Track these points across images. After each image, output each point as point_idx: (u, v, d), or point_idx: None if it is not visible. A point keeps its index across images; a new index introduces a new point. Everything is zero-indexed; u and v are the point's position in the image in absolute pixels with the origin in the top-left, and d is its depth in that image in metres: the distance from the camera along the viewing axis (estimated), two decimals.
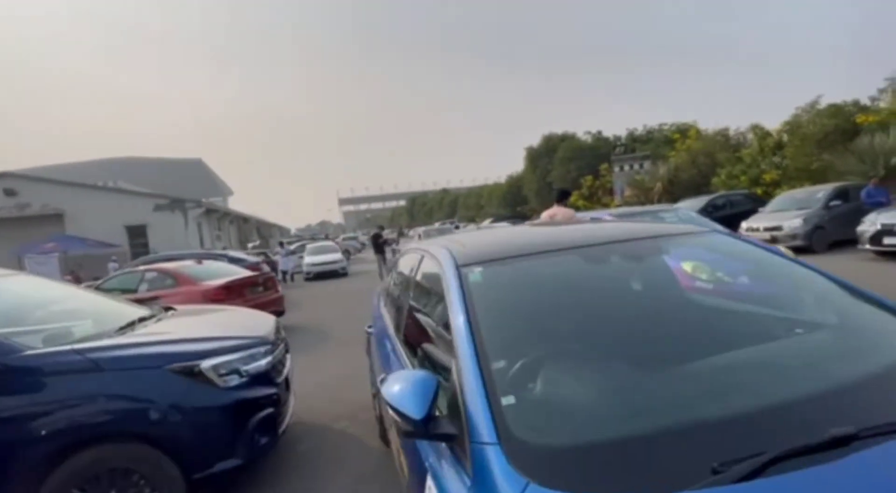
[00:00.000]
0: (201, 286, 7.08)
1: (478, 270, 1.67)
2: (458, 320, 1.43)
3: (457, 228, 18.87)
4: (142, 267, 8.75)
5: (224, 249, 23.00)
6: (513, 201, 34.66)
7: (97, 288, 7.43)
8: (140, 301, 6.71)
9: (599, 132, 28.99)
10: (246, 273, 8.25)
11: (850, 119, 14.31)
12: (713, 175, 17.97)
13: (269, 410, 2.79)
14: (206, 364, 2.54)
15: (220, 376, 2.58)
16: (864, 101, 15.16)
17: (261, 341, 3.00)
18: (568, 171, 27.04)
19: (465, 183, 78.23)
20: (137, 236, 23.82)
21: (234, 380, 2.64)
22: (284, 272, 17.22)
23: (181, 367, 2.49)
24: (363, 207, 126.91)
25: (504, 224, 17.46)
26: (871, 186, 10.74)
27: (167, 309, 3.65)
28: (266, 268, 13.45)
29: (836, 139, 14.20)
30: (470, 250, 1.88)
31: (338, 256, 18.32)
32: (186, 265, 7.84)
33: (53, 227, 22.01)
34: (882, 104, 15.24)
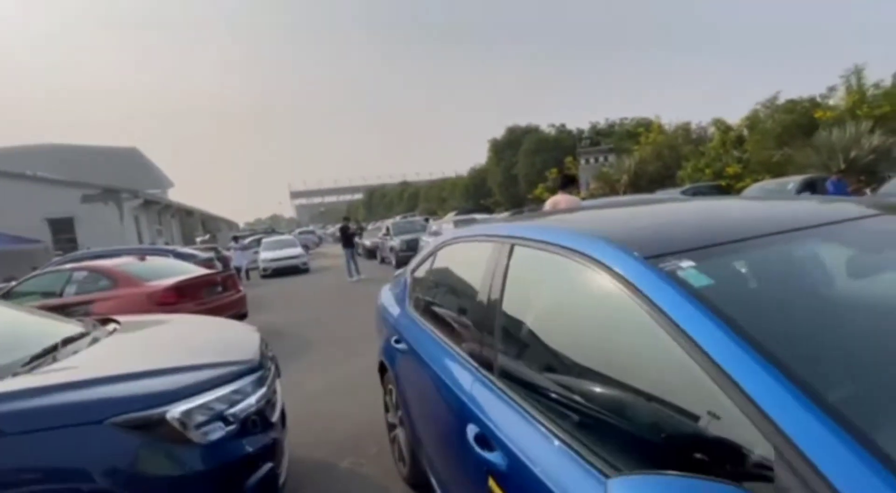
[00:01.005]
0: (146, 288, 5.92)
1: (687, 265, 0.98)
2: (735, 360, 0.74)
3: (426, 220, 18.00)
4: (69, 265, 7.35)
5: (166, 244, 20.97)
6: (476, 194, 34.21)
7: (5, 294, 6.07)
8: (66, 308, 5.52)
9: (563, 125, 29.09)
10: (200, 271, 7.12)
11: (807, 114, 14.87)
12: (678, 168, 18.28)
13: (268, 465, 1.97)
14: (174, 412, 1.69)
15: (198, 427, 1.74)
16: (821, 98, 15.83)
17: (248, 367, 2.16)
18: (533, 163, 26.87)
19: (423, 177, 76.99)
20: (63, 231, 21.14)
21: (218, 431, 1.79)
22: (238, 269, 15.74)
23: (135, 419, 1.63)
24: (317, 200, 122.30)
25: (471, 217, 16.82)
26: (833, 178, 11.10)
27: (105, 322, 2.69)
28: (219, 265, 12.11)
29: (795, 134, 14.71)
30: (636, 235, 1.18)
31: (298, 250, 17.05)
32: (126, 263, 6.60)
33: None
34: (831, 102, 16.01)
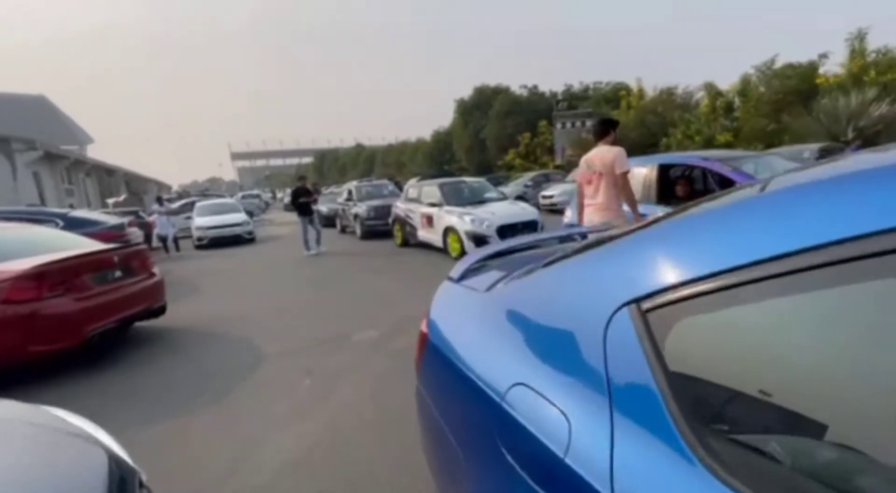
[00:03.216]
0: None
1: None
2: None
3: (396, 184, 15.70)
4: None
5: (70, 206, 17.39)
6: (440, 159, 31.94)
7: None
8: None
9: (535, 86, 27.17)
10: (91, 245, 4.79)
11: (807, 80, 13.99)
12: (664, 135, 17.15)
13: None
14: None
15: None
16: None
17: None
18: (504, 126, 24.99)
19: (375, 141, 72.65)
20: None
21: None
22: (164, 238, 12.99)
23: None
24: (260, 163, 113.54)
25: (460, 180, 14.60)
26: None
27: None
28: (136, 233, 9.49)
29: (793, 100, 13.84)
30: None
31: (241, 216, 14.40)
32: None
33: None
34: (821, 69, 15.26)
